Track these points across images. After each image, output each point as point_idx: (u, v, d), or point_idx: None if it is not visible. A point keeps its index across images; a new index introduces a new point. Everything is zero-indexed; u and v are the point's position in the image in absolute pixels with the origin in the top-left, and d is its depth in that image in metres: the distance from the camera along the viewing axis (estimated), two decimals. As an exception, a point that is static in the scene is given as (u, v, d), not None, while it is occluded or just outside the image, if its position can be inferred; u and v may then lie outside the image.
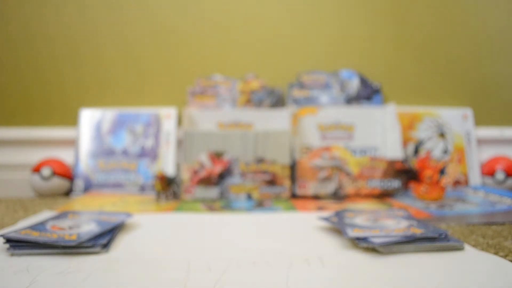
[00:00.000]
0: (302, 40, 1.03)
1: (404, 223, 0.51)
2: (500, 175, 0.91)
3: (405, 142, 0.96)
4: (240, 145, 0.84)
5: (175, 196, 0.83)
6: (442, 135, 0.97)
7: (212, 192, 0.83)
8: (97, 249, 0.45)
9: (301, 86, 1.00)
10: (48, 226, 0.50)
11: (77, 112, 1.00)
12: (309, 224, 0.58)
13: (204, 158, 0.83)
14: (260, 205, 0.76)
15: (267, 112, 0.93)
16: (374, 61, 1.03)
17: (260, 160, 0.84)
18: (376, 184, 0.84)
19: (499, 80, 1.04)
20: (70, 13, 1.01)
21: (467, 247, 0.46)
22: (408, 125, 0.97)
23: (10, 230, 0.52)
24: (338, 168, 0.85)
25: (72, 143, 0.98)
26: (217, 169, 0.83)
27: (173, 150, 0.96)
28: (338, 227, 0.51)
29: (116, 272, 0.39)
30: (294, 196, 0.85)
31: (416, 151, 0.96)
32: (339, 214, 0.57)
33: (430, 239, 0.45)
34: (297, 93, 0.99)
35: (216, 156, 0.84)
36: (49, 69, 1.01)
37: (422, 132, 0.97)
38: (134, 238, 0.51)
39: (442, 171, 0.94)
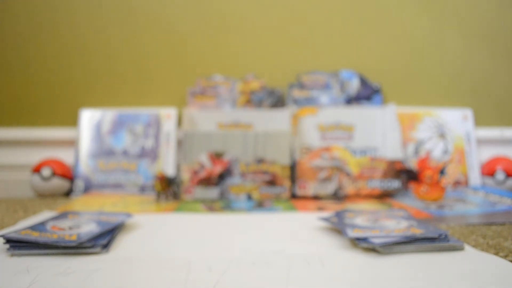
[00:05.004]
0: (302, 40, 1.03)
1: (404, 224, 0.51)
2: (500, 176, 0.91)
3: (405, 142, 0.96)
4: (240, 145, 0.84)
5: (175, 196, 0.83)
6: (442, 135, 0.97)
7: (212, 192, 0.83)
8: (97, 249, 0.45)
9: (301, 86, 1.00)
10: (48, 226, 0.50)
11: (77, 112, 1.00)
12: (309, 224, 0.58)
13: (204, 158, 0.83)
14: (260, 205, 0.76)
15: (267, 113, 0.93)
16: (374, 61, 1.03)
17: (260, 161, 0.84)
18: (376, 184, 0.84)
19: (499, 80, 1.04)
20: (70, 14, 1.01)
21: (467, 247, 0.46)
22: (408, 125, 0.98)
23: (10, 230, 0.52)
24: (338, 169, 0.85)
25: (72, 143, 0.98)
26: (217, 169, 0.83)
27: (173, 150, 0.96)
28: (338, 228, 0.51)
29: (116, 272, 0.39)
30: (294, 196, 0.85)
31: (416, 151, 0.96)
32: (339, 215, 0.57)
33: (430, 239, 0.45)
34: (297, 93, 0.99)
35: (216, 156, 0.84)
36: (49, 69, 1.01)
37: (422, 132, 0.97)
38: (134, 239, 0.51)
39: (442, 172, 0.94)
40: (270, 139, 0.84)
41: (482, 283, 0.35)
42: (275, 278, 0.37)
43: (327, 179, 0.84)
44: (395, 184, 0.84)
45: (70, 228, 0.50)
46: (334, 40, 1.03)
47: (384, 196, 0.84)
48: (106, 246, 0.46)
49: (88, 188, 0.93)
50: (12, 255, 0.44)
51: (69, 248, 0.44)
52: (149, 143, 0.96)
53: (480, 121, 1.02)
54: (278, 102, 0.98)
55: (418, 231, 0.46)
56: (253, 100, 0.97)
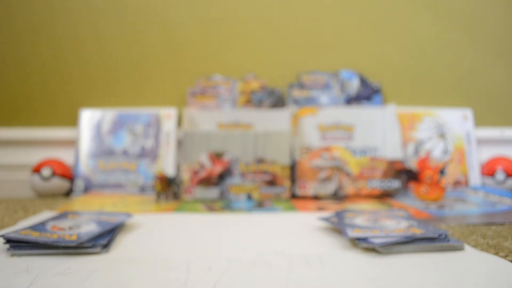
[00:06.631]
0: (302, 40, 1.03)
1: (404, 224, 0.51)
2: (500, 176, 0.91)
3: (405, 142, 0.96)
4: (240, 145, 0.84)
5: (175, 196, 0.83)
6: (442, 135, 0.97)
7: (212, 192, 0.83)
8: (97, 249, 0.45)
9: (301, 86, 1.00)
10: (48, 226, 0.50)
11: (77, 112, 1.00)
12: (309, 224, 0.58)
13: (204, 158, 0.83)
14: (260, 205, 0.76)
15: (267, 113, 0.93)
16: (374, 61, 1.03)
17: (260, 161, 0.84)
18: (376, 184, 0.84)
19: (499, 80, 1.04)
20: (72, 14, 1.01)
21: (467, 247, 0.46)
22: (408, 125, 0.98)
23: (10, 230, 0.52)
24: (338, 169, 0.85)
25: (72, 143, 0.98)
26: (217, 169, 0.83)
27: (173, 150, 0.96)
28: (338, 228, 0.51)
29: (116, 272, 0.39)
30: (294, 196, 0.85)
31: (416, 151, 0.96)
32: (339, 215, 0.57)
33: (430, 239, 0.45)
34: (297, 93, 0.99)
35: (216, 156, 0.84)
36: (49, 69, 1.01)
37: (422, 132, 0.97)
38: (134, 239, 0.51)
39: (442, 172, 0.94)
40: (270, 139, 0.84)
41: (482, 283, 0.35)
42: (275, 278, 0.37)
43: (327, 179, 0.84)
44: (395, 184, 0.84)
45: (70, 228, 0.50)
46: (334, 40, 1.03)
47: (384, 196, 0.84)
48: (106, 246, 0.46)
49: (88, 188, 0.93)
50: (12, 255, 0.44)
51: (69, 248, 0.44)
52: (149, 143, 0.96)
53: (480, 121, 1.02)
54: (278, 102, 0.98)
55: (418, 231, 0.46)
56: (253, 100, 0.97)
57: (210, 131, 0.88)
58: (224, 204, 0.78)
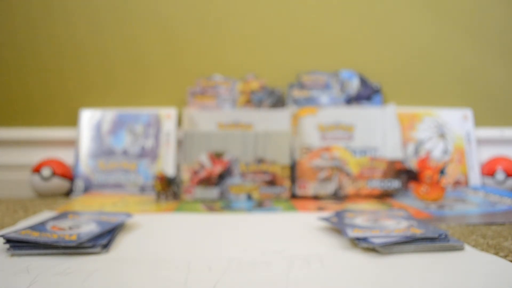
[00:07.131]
0: (302, 40, 1.03)
1: (404, 224, 0.51)
2: (500, 175, 0.91)
3: (405, 142, 0.96)
4: (240, 145, 0.84)
5: (175, 196, 0.83)
6: (442, 135, 0.97)
7: (212, 192, 0.83)
8: (97, 249, 0.45)
9: (301, 86, 1.00)
10: (48, 226, 0.50)
11: (77, 112, 1.00)
12: (309, 224, 0.58)
13: (204, 158, 0.83)
14: (260, 205, 0.76)
15: (267, 113, 0.93)
16: (374, 61, 1.03)
17: (260, 161, 0.84)
18: (376, 184, 0.84)
19: (499, 80, 1.04)
20: (72, 14, 1.01)
21: (467, 247, 0.46)
22: (408, 125, 0.98)
23: (10, 230, 0.52)
24: (338, 169, 0.85)
25: (72, 143, 0.98)
26: (217, 169, 0.83)
27: (173, 150, 0.96)
28: (338, 228, 0.51)
29: (116, 272, 0.39)
30: (294, 196, 0.85)
31: (416, 151, 0.96)
32: (339, 215, 0.57)
33: (430, 239, 0.45)
34: (297, 93, 0.99)
35: (216, 156, 0.84)
36: (49, 69, 1.01)
37: (422, 132, 0.97)
38: (134, 239, 0.51)
39: (442, 172, 0.94)
40: (270, 139, 0.84)
41: (482, 283, 0.36)
42: (275, 278, 0.37)
43: (327, 179, 0.84)
44: (395, 184, 0.84)
45: (70, 228, 0.50)
46: (334, 40, 1.03)
47: (384, 196, 0.84)
48: (106, 246, 0.46)
49: (88, 188, 0.93)
50: (12, 255, 0.44)
51: (69, 248, 0.44)
52: (149, 143, 0.96)
53: (480, 121, 1.02)
54: (278, 102, 0.98)
55: (418, 231, 0.46)
56: (253, 100, 0.97)
57: (210, 131, 0.88)
58: (224, 204, 0.78)
